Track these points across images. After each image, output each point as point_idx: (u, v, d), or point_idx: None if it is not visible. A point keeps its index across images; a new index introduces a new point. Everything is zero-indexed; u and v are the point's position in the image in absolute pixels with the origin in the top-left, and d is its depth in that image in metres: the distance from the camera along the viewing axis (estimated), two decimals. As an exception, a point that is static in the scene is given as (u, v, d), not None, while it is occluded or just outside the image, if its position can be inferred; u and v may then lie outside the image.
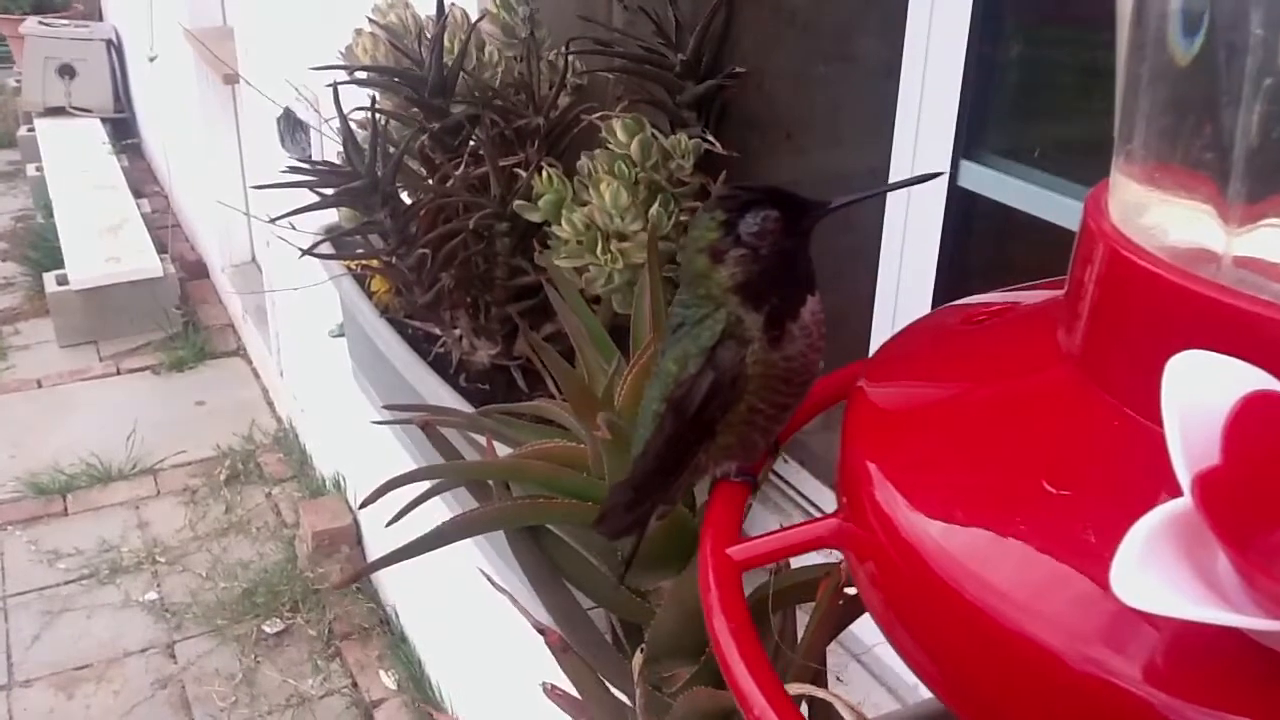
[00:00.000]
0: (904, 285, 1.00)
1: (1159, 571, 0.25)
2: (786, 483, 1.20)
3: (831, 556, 0.68)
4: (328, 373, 2.62)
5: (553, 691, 0.72)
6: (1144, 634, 0.28)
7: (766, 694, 0.36)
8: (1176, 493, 0.26)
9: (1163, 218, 0.33)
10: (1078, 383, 0.35)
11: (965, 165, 0.93)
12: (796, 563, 0.63)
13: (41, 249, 4.54)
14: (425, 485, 0.74)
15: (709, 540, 0.42)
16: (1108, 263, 0.34)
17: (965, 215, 0.95)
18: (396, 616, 2.70)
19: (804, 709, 0.71)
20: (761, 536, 0.42)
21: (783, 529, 0.41)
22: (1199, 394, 0.27)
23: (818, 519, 0.40)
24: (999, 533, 0.32)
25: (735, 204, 0.47)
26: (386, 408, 0.85)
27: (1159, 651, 0.28)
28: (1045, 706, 0.29)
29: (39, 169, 5.13)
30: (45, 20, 6.07)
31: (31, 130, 5.58)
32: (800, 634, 0.62)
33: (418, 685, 2.53)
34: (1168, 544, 0.26)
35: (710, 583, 0.40)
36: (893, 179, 1.00)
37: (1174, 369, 0.28)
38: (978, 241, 0.97)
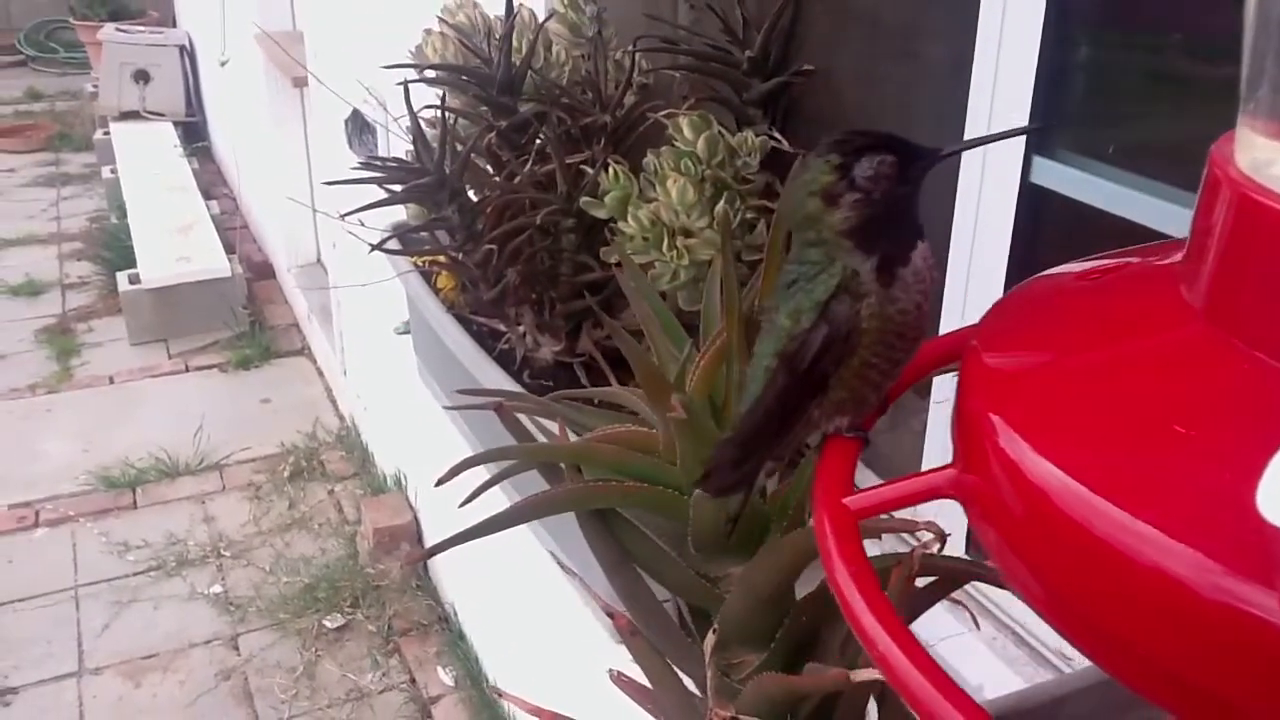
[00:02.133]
0: (974, 281, 0.99)
1: None
2: (850, 482, 1.20)
3: (900, 547, 0.68)
4: (391, 371, 2.66)
5: (620, 678, 0.72)
6: (1275, 563, 0.28)
7: (890, 631, 0.36)
8: None
9: None
10: (1205, 332, 0.34)
11: (1038, 161, 0.92)
12: (869, 552, 0.63)
13: (115, 249, 4.66)
14: (492, 472, 0.74)
15: (823, 491, 0.42)
16: (1236, 208, 0.34)
17: (1037, 211, 0.94)
18: (455, 614, 2.73)
19: (872, 705, 0.71)
20: (876, 487, 0.42)
21: (898, 479, 0.41)
22: None
23: (934, 469, 0.40)
24: (1128, 471, 0.32)
25: (850, 148, 0.47)
26: (460, 393, 0.86)
27: None
28: (1178, 636, 0.29)
29: (114, 171, 5.26)
30: (122, 27, 6.23)
31: (107, 134, 5.72)
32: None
33: (475, 682, 2.55)
34: None
35: (827, 530, 0.40)
36: (963, 177, 0.99)
37: None
38: (1048, 238, 0.96)
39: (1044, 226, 0.95)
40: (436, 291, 1.39)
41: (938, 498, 0.40)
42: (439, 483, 0.68)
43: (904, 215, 0.48)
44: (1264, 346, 0.32)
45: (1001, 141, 0.93)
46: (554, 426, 0.73)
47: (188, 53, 6.05)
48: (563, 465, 0.69)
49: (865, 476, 1.18)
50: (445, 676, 2.61)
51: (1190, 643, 0.29)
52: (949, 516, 0.53)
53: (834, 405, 0.49)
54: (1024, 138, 0.93)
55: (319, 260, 4.17)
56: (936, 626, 1.01)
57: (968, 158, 0.97)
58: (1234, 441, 0.31)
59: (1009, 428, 0.36)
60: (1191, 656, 0.29)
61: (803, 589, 0.62)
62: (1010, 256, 0.95)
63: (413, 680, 2.61)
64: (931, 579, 0.65)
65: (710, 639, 0.64)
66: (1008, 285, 0.95)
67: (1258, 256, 0.33)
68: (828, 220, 0.47)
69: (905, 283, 0.47)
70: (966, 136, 0.98)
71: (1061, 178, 0.91)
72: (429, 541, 2.92)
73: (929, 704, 0.34)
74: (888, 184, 0.47)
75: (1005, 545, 0.36)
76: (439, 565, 2.82)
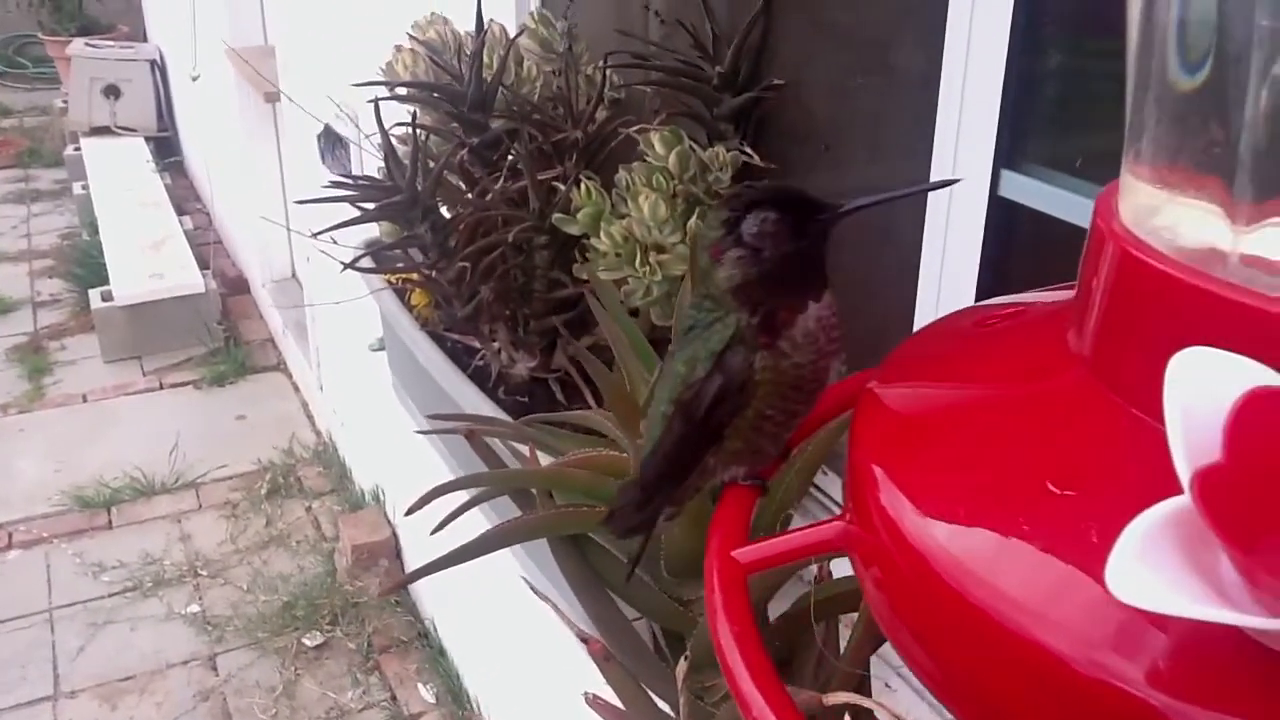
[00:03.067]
0: (945, 296, 0.99)
1: (1157, 569, 0.25)
2: (826, 494, 1.20)
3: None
4: (367, 387, 2.64)
5: (595, 701, 0.72)
6: (1148, 637, 0.27)
7: (767, 696, 0.35)
8: (1181, 492, 0.26)
9: (1171, 218, 0.33)
10: (1086, 384, 0.34)
11: (1006, 175, 0.93)
12: (839, 572, 0.63)
13: (87, 266, 4.62)
14: (467, 495, 0.74)
15: (715, 543, 0.42)
16: (1117, 262, 0.34)
17: (1006, 225, 0.95)
18: (435, 630, 2.71)
19: (847, 721, 0.71)
20: (766, 539, 0.41)
21: (788, 532, 0.41)
22: (1202, 390, 0.27)
23: (823, 522, 0.40)
24: (1003, 535, 0.32)
25: (740, 204, 0.47)
26: (430, 418, 0.85)
27: (1162, 654, 0.27)
28: (1048, 709, 0.29)
29: (85, 187, 5.22)
30: (91, 42, 6.18)
31: (78, 149, 5.68)
32: (843, 646, 0.62)
33: (456, 699, 2.54)
34: (1167, 541, 0.25)
35: (714, 584, 0.40)
36: (932, 193, 0.99)
37: (1177, 365, 0.28)
38: (1019, 252, 0.96)
39: (1013, 240, 0.95)
40: (410, 309, 1.39)
41: (828, 550, 0.40)
42: (409, 511, 0.68)
43: (799, 272, 0.47)
44: (1138, 402, 0.32)
45: (968, 156, 0.94)
46: (526, 449, 0.73)
47: (159, 67, 6.02)
48: (534, 490, 0.69)
49: (839, 489, 1.18)
50: (426, 693, 2.59)
51: (1063, 716, 0.29)
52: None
53: (730, 455, 0.49)
54: (992, 151, 0.93)
55: (294, 275, 4.15)
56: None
57: (936, 172, 0.97)
58: (1103, 504, 0.30)
59: (891, 482, 0.36)
60: None
61: (775, 611, 0.62)
62: (980, 270, 0.95)
63: (393, 698, 2.60)
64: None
65: (682, 665, 0.64)
66: (978, 299, 0.95)
67: (1134, 312, 0.33)
68: (714, 276, 0.47)
69: (794, 342, 0.46)
70: (935, 150, 0.98)
71: (1029, 191, 0.92)
72: (407, 557, 2.90)
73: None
74: (775, 241, 0.46)
75: (885, 603, 0.35)
76: (418, 582, 2.80)
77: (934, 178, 0.98)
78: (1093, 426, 0.34)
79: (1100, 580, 0.25)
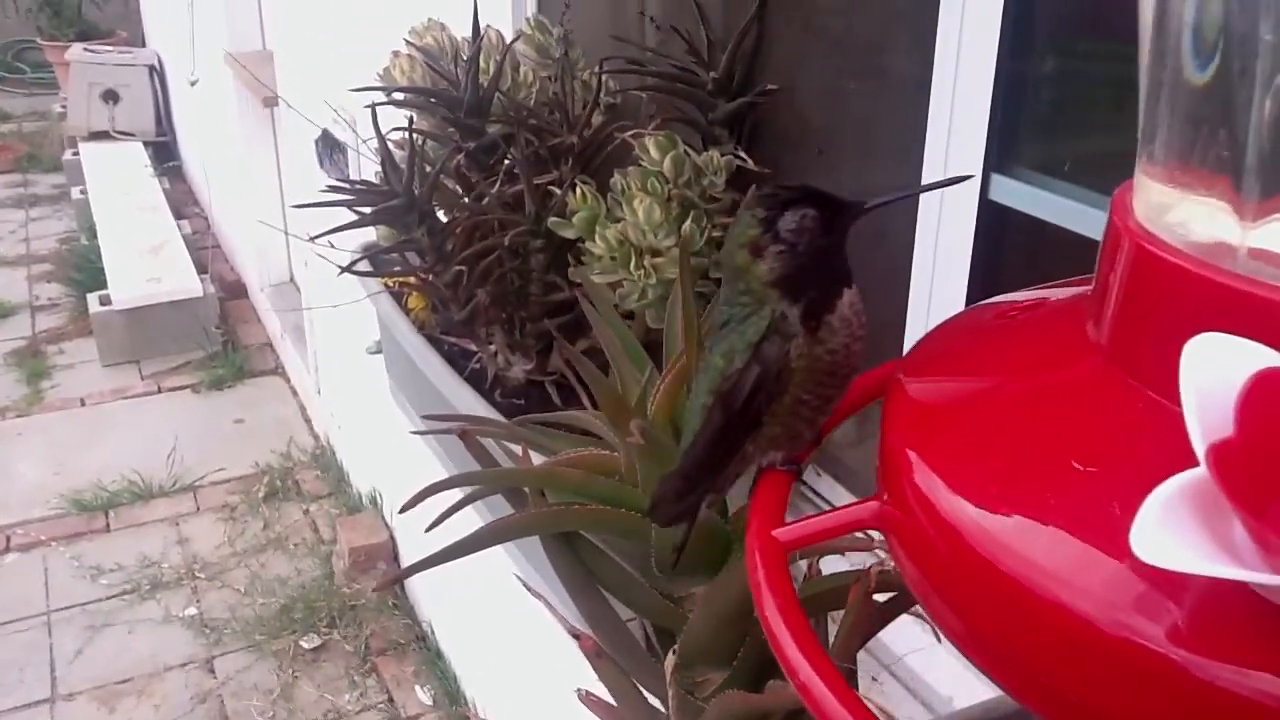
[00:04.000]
0: (936, 299, 1.00)
1: (1175, 532, 0.27)
2: (820, 496, 1.21)
3: (860, 564, 0.69)
4: (364, 390, 2.65)
5: (587, 698, 0.73)
6: (1167, 599, 0.30)
7: (813, 663, 0.37)
8: (1196, 466, 0.28)
9: (1183, 215, 0.35)
10: (1105, 371, 0.37)
11: (996, 179, 0.94)
12: (828, 569, 0.64)
13: (85, 270, 4.63)
14: (461, 494, 0.75)
15: (755, 523, 0.44)
16: (1133, 257, 0.36)
17: (997, 229, 0.96)
18: (432, 632, 2.72)
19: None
20: (806, 519, 0.43)
21: (826, 511, 0.43)
22: (1215, 372, 0.29)
23: (859, 502, 0.42)
24: (1031, 509, 0.34)
25: (775, 202, 0.50)
26: (425, 418, 0.86)
27: (1180, 614, 0.29)
28: (1078, 667, 0.31)
29: (83, 192, 5.23)
30: (90, 47, 6.19)
31: (76, 154, 5.69)
32: (831, 641, 0.63)
33: (453, 700, 2.54)
34: (1184, 508, 0.28)
35: (757, 562, 0.42)
36: (923, 196, 1.00)
37: (1191, 350, 0.30)
38: (1009, 256, 0.97)
39: (1004, 244, 0.96)
40: (407, 312, 1.39)
41: (864, 529, 0.42)
42: (403, 509, 0.69)
43: (829, 265, 0.50)
44: (1156, 386, 0.34)
45: (959, 160, 0.95)
46: (519, 449, 0.74)
47: (157, 73, 6.03)
48: (527, 489, 0.70)
49: (837, 493, 1.19)
50: (423, 695, 2.60)
51: (1093, 675, 0.31)
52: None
53: (768, 440, 0.51)
54: (983, 155, 0.94)
55: (291, 279, 4.16)
56: (904, 640, 1.02)
57: (927, 176, 0.98)
58: (1124, 478, 0.33)
59: (924, 463, 0.38)
60: (1096, 688, 0.31)
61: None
62: (971, 274, 0.96)
63: (391, 700, 2.60)
64: (894, 594, 0.66)
65: (671, 659, 0.64)
66: (969, 302, 0.96)
67: (1150, 303, 0.36)
68: (755, 271, 0.49)
69: (832, 328, 0.49)
70: (927, 154, 0.99)
71: (1020, 195, 0.93)
72: (405, 560, 2.91)
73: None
74: (811, 236, 0.49)
75: (922, 577, 0.38)
76: (415, 584, 2.81)
77: (925, 181, 0.99)
78: (1112, 410, 0.36)
79: (1123, 548, 0.28)
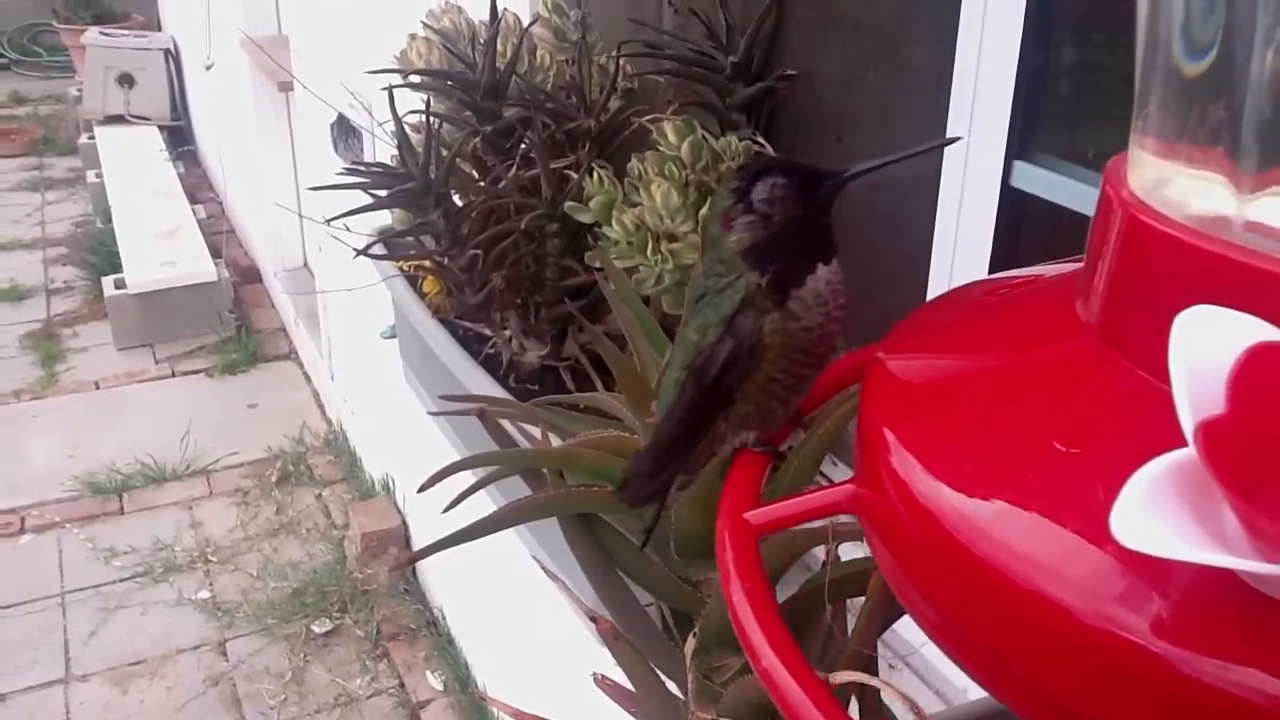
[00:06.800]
0: (956, 284, 0.99)
1: (1160, 516, 0.26)
2: (827, 479, 1.20)
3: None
4: (378, 375, 2.65)
5: (603, 681, 0.73)
6: (1151, 589, 0.28)
7: (777, 650, 0.36)
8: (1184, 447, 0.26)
9: (1178, 188, 0.34)
10: (1094, 349, 0.35)
11: (1019, 166, 0.93)
12: (847, 555, 0.63)
13: (100, 253, 4.64)
14: (475, 478, 0.75)
15: (727, 505, 0.43)
16: (1125, 227, 0.34)
17: (1018, 216, 0.95)
18: (444, 618, 2.73)
19: (854, 707, 0.71)
20: (777, 502, 0.42)
21: (798, 494, 0.42)
22: (1206, 347, 0.27)
23: (834, 485, 0.41)
24: (1011, 493, 0.32)
25: (748, 174, 0.49)
26: (443, 398, 0.86)
27: (1165, 605, 0.28)
28: (1056, 660, 0.30)
29: (99, 175, 5.24)
30: (106, 30, 6.21)
31: (92, 138, 5.70)
32: (850, 628, 0.62)
33: (464, 686, 2.55)
34: (1170, 491, 0.26)
35: (726, 545, 0.41)
36: (945, 181, 1.00)
37: (1182, 323, 0.28)
38: (1031, 243, 0.97)
39: (1025, 231, 0.96)
40: (422, 296, 1.39)
41: (838, 512, 0.41)
42: (422, 489, 0.69)
43: (808, 235, 0.49)
44: (1145, 364, 0.33)
45: (980, 146, 0.94)
46: (537, 432, 0.74)
47: (172, 56, 6.04)
48: (545, 470, 0.69)
49: (840, 472, 1.19)
50: (434, 681, 2.61)
51: (1071, 668, 0.29)
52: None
53: (740, 419, 0.50)
54: (1005, 142, 0.93)
55: (305, 264, 4.16)
56: (918, 630, 1.01)
57: (948, 163, 0.97)
58: (1109, 460, 0.31)
59: (900, 444, 0.37)
60: (1073, 682, 0.29)
61: (783, 593, 0.62)
62: (991, 261, 0.96)
63: (401, 685, 2.61)
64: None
65: (691, 642, 0.64)
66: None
67: (1143, 276, 0.34)
68: (725, 242, 0.49)
69: (804, 303, 0.48)
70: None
71: (1042, 182, 0.92)
72: (417, 545, 2.92)
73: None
74: (784, 206, 0.48)
75: (895, 562, 0.36)
76: (427, 569, 2.82)
77: (946, 168, 0.98)
78: (1099, 389, 0.34)
79: (1106, 535, 0.26)
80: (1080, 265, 0.38)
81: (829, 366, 0.50)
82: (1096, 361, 0.35)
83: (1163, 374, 0.28)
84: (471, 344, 1.32)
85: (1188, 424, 0.26)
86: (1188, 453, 0.26)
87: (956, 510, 0.33)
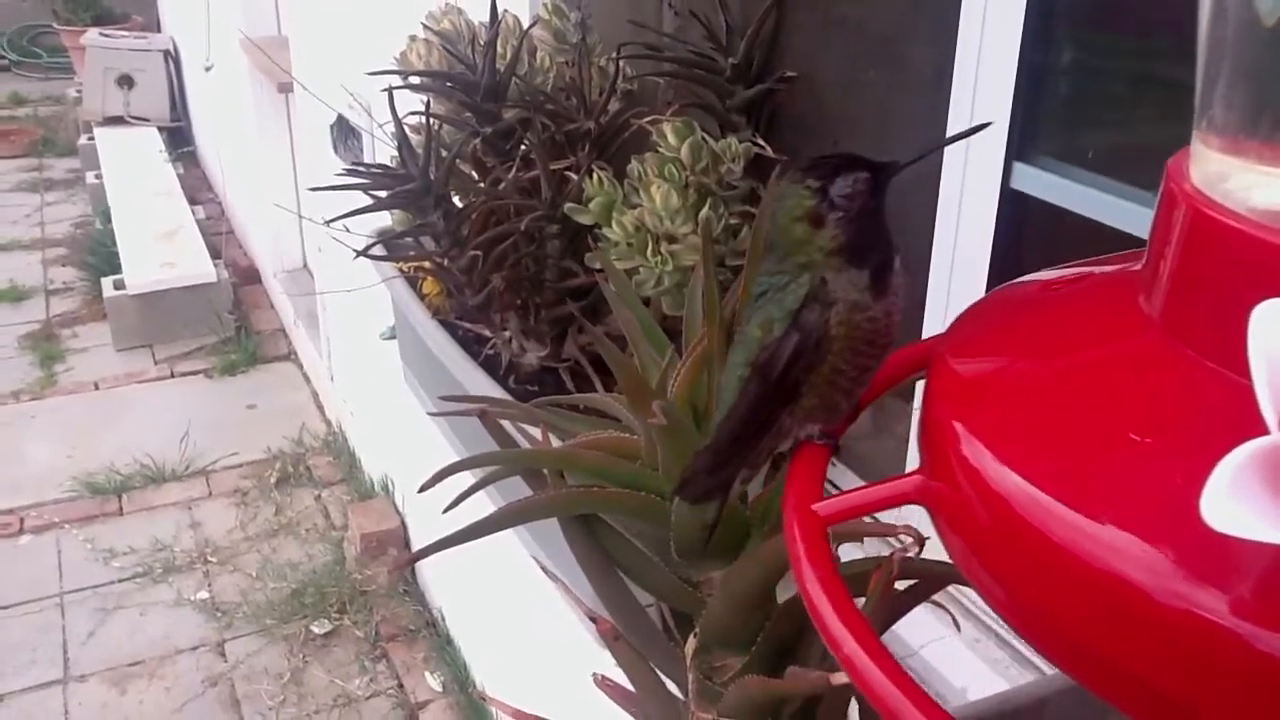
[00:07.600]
0: (955, 287, 1.00)
1: (1246, 500, 0.27)
2: (835, 485, 1.20)
3: (883, 550, 0.68)
4: (377, 377, 2.65)
5: (604, 682, 0.73)
6: (1229, 569, 0.29)
7: (856, 636, 0.37)
8: (1261, 435, 0.27)
9: (1242, 183, 0.34)
10: (1160, 342, 0.36)
11: (1019, 168, 0.93)
12: (847, 555, 0.63)
13: (100, 254, 4.64)
14: (475, 478, 0.75)
15: (793, 497, 0.43)
16: (1190, 222, 0.35)
17: (1018, 218, 0.95)
18: (443, 619, 2.73)
19: (854, 707, 0.71)
20: (846, 493, 0.42)
21: (865, 486, 0.42)
22: None
23: (901, 476, 0.41)
24: (1085, 478, 0.33)
25: (826, 170, 0.49)
26: (443, 399, 0.86)
27: (1244, 586, 0.29)
28: (1130, 639, 0.31)
29: (98, 176, 5.24)
30: (105, 32, 6.21)
31: (91, 139, 5.70)
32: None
33: (462, 687, 2.55)
34: (1255, 476, 0.27)
35: (796, 535, 0.41)
36: (944, 184, 1.00)
37: (1260, 315, 0.29)
38: (1030, 244, 0.97)
39: (1025, 232, 0.96)
40: (422, 297, 1.39)
41: (905, 503, 0.41)
42: (422, 489, 0.69)
43: (879, 228, 0.49)
44: (1214, 355, 0.33)
45: (980, 148, 0.94)
46: (537, 432, 0.74)
47: (172, 58, 6.04)
48: (545, 471, 0.69)
49: (849, 481, 1.19)
50: (433, 681, 2.60)
51: (1146, 647, 0.30)
52: (928, 520, 0.54)
53: (806, 412, 0.50)
54: (1005, 144, 0.93)
55: (305, 265, 4.16)
56: (919, 630, 1.01)
57: (948, 164, 0.98)
58: (1185, 448, 0.32)
59: (971, 435, 0.37)
60: (1149, 660, 0.30)
61: (784, 593, 0.62)
62: (991, 262, 0.96)
63: (400, 685, 2.61)
64: (912, 582, 0.66)
65: (691, 642, 0.64)
66: (989, 290, 0.96)
67: (1209, 269, 0.35)
68: (816, 242, 0.48)
69: (894, 289, 0.48)
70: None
71: (1041, 183, 0.92)
72: (416, 546, 2.92)
73: (894, 706, 0.35)
74: (862, 200, 0.48)
75: (969, 550, 0.37)
76: (426, 570, 2.81)
77: (946, 170, 0.98)
78: (1168, 381, 0.35)
79: (1184, 517, 0.27)
80: (1132, 262, 0.39)
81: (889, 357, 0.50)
82: (1163, 354, 0.35)
83: (1231, 364, 0.29)
84: (471, 345, 1.32)
85: (1269, 413, 0.27)
86: (1271, 440, 0.27)
87: (1029, 496, 0.34)
